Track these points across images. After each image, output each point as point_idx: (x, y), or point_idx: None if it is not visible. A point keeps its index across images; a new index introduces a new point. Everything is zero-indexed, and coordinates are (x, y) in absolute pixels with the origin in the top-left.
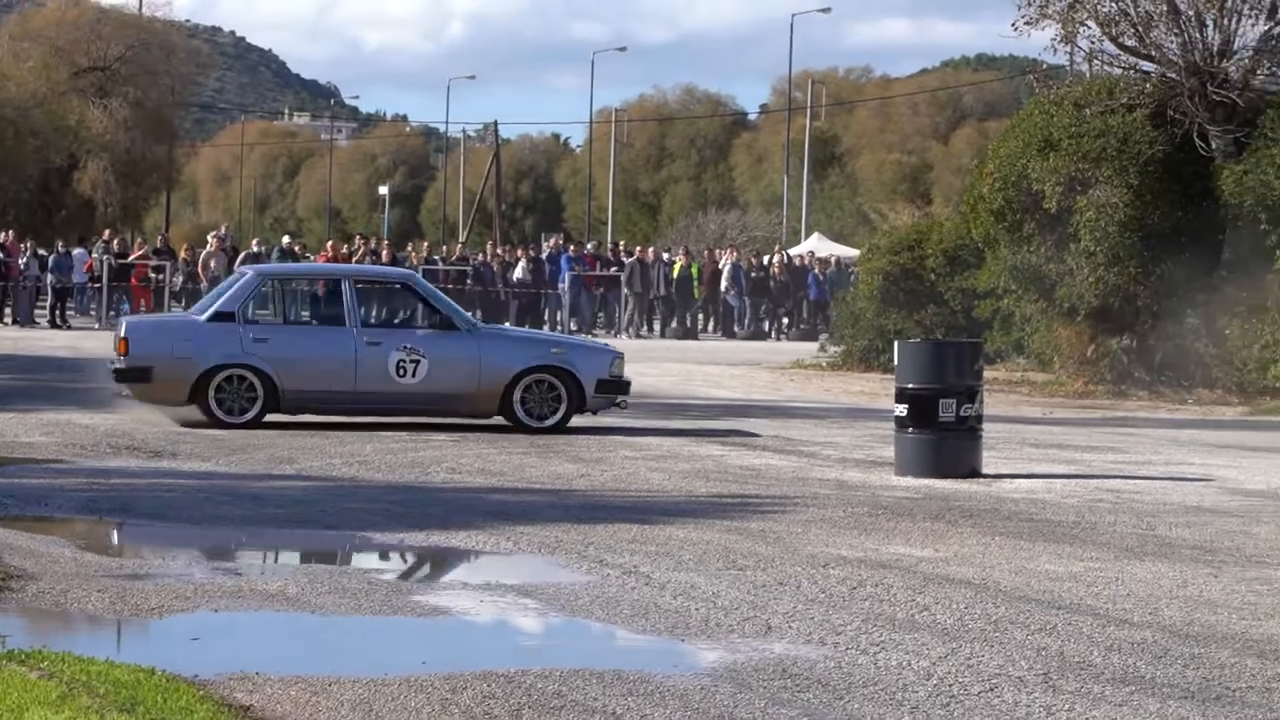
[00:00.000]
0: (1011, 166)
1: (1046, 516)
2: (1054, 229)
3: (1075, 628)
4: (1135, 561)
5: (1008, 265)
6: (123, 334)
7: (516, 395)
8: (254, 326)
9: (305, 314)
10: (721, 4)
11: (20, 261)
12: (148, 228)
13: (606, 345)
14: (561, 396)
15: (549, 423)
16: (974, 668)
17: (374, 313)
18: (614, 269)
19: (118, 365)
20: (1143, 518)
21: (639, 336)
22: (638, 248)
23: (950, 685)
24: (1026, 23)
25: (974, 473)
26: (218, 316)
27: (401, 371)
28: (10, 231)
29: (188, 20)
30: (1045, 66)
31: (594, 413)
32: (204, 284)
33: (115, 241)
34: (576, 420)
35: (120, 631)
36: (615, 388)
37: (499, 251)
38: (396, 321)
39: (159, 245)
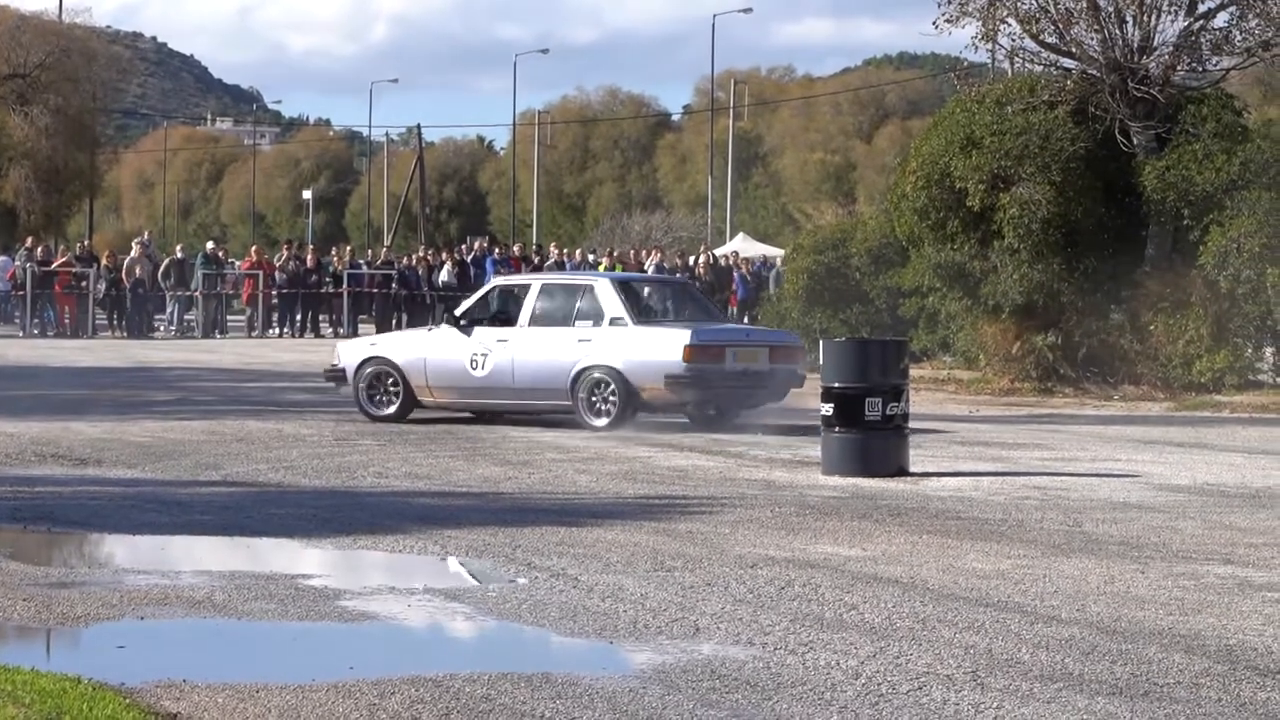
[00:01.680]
0: (934, 165)
1: (973, 514)
2: (977, 227)
3: (1003, 625)
4: (1062, 558)
5: (932, 263)
6: None
7: None
8: None
9: None
10: (644, 5)
11: None
12: (71, 235)
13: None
14: None
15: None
16: (902, 666)
17: None
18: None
19: None
20: (1069, 514)
21: None
22: (556, 250)
23: (879, 684)
24: (947, 20)
25: (901, 471)
26: None
27: None
28: None
29: (108, 26)
30: (967, 64)
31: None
32: (127, 290)
33: (39, 249)
34: (503, 422)
35: (47, 640)
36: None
37: (424, 255)
38: None
39: (80, 253)
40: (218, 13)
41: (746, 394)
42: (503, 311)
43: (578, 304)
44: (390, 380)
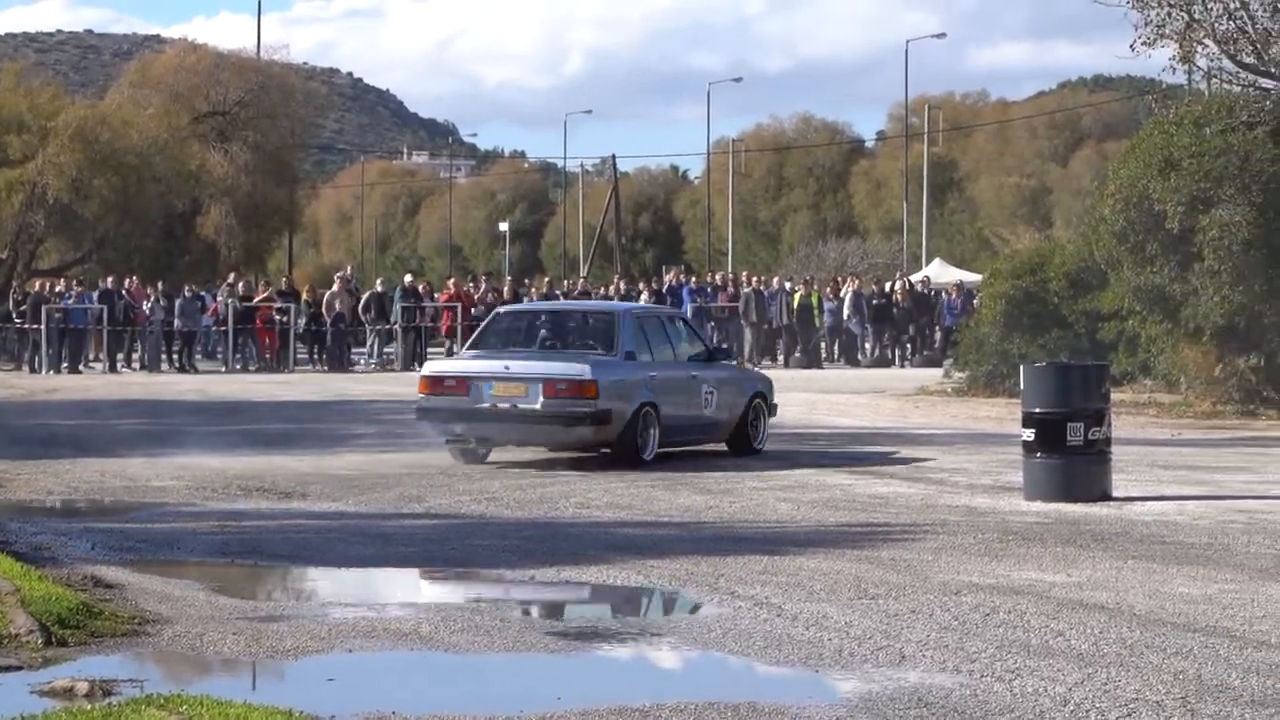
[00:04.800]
0: (1132, 187)
1: (1179, 539)
2: (1177, 249)
3: (1212, 651)
4: (1270, 583)
5: (1131, 286)
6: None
7: None
8: None
9: None
10: (837, 32)
11: (145, 307)
12: (270, 270)
13: None
14: None
15: None
16: (1111, 693)
17: None
18: (733, 299)
19: None
20: (1276, 538)
21: (760, 366)
22: (754, 278)
23: (1088, 711)
24: (1144, 43)
25: (1104, 496)
26: None
27: None
28: (135, 277)
29: (305, 63)
30: (1164, 86)
31: None
32: (327, 324)
33: (240, 284)
34: (704, 449)
35: (256, 674)
36: None
37: (618, 284)
38: None
39: (283, 287)
40: (413, 47)
41: (503, 430)
42: None
43: None
44: None
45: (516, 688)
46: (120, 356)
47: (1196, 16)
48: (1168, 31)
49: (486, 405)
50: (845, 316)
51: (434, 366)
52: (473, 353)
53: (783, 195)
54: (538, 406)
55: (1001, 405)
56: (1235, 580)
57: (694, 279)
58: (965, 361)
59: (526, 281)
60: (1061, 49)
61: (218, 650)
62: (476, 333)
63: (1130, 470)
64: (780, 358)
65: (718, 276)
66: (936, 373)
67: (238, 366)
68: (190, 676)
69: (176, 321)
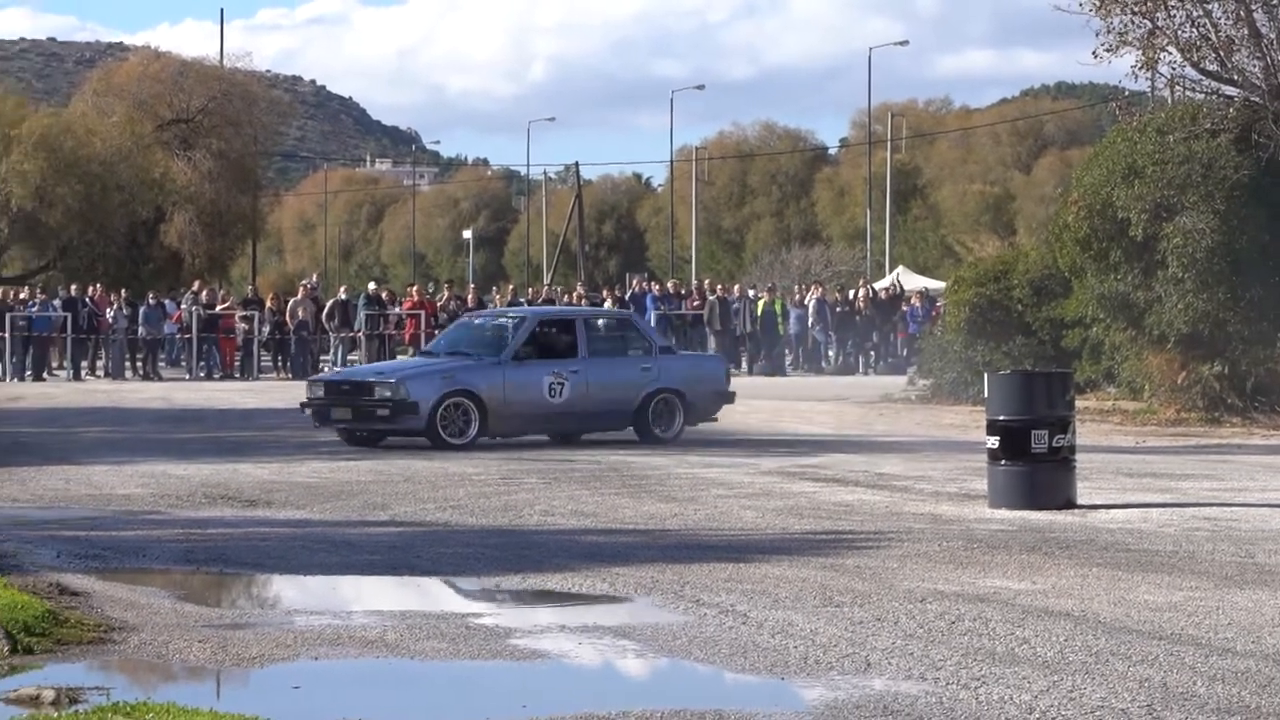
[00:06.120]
0: (1096, 195)
1: (1144, 546)
2: (1141, 256)
3: (1178, 658)
4: (1236, 590)
5: (1095, 294)
6: None
7: None
8: None
9: None
10: (800, 40)
11: (109, 314)
12: (234, 277)
13: None
14: None
15: None
16: (1077, 701)
17: None
18: (698, 306)
19: None
20: (1241, 545)
21: None
22: (718, 286)
23: (1053, 718)
24: (1107, 50)
25: (1069, 503)
26: None
27: None
28: (99, 285)
29: (268, 70)
30: (1127, 93)
31: None
32: (290, 333)
33: (204, 292)
34: (668, 458)
35: (222, 681)
36: None
37: (581, 292)
38: None
39: (249, 295)
40: (376, 55)
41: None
42: None
43: None
44: None
45: (483, 696)
46: (84, 364)
47: (1159, 24)
48: (1130, 39)
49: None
50: (809, 324)
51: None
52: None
53: (746, 203)
54: (374, 398)
55: (965, 413)
56: (1200, 587)
57: (657, 286)
58: (929, 369)
59: (494, 289)
60: (1024, 56)
61: (184, 658)
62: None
63: (1095, 478)
64: (744, 365)
65: (677, 285)
66: (900, 380)
67: (201, 374)
68: (156, 684)
69: (140, 329)
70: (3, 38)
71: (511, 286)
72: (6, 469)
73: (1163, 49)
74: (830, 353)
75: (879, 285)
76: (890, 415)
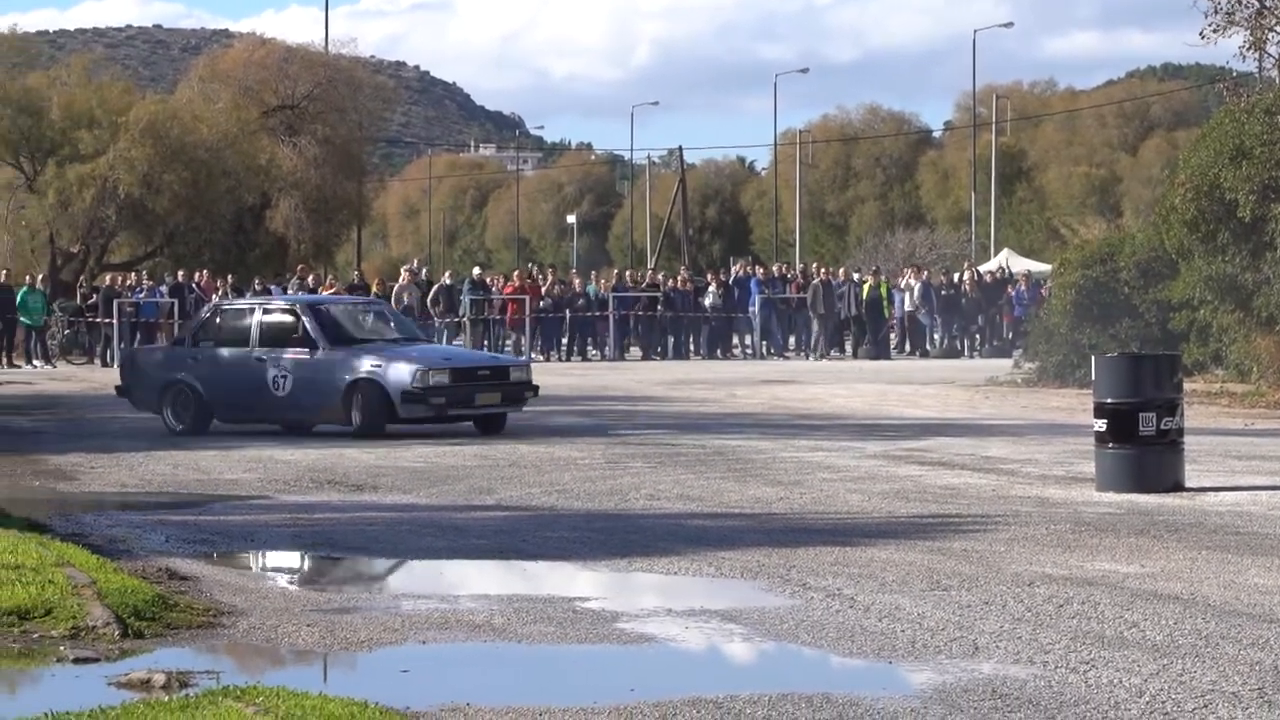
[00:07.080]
0: (1203, 176)
1: (1253, 529)
2: (1249, 238)
3: None
4: None
5: (1203, 276)
6: None
7: None
8: None
9: None
10: (904, 22)
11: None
12: (339, 263)
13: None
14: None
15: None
16: (1187, 684)
17: None
18: (802, 290)
19: None
20: None
21: (828, 358)
22: (822, 269)
23: (1163, 702)
24: (1214, 30)
25: (1177, 486)
26: None
27: None
28: (206, 270)
29: (373, 56)
30: (1234, 74)
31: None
32: None
33: (309, 278)
34: (774, 441)
35: (330, 665)
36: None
37: (686, 276)
38: None
39: (354, 281)
40: (480, 40)
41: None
42: None
43: None
44: None
45: (590, 680)
46: None
47: (1267, 3)
48: (1238, 19)
49: None
50: (914, 307)
51: None
52: None
53: (850, 186)
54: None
55: (1072, 396)
56: None
57: (761, 270)
58: (1035, 352)
59: (594, 274)
60: (1130, 37)
61: (292, 642)
62: None
63: (1203, 460)
64: (849, 349)
65: (782, 268)
66: (1006, 363)
67: None
68: (265, 668)
69: None
70: (110, 25)
71: (615, 270)
72: (115, 454)
73: (1271, 29)
74: (935, 336)
75: (984, 268)
76: (996, 398)
